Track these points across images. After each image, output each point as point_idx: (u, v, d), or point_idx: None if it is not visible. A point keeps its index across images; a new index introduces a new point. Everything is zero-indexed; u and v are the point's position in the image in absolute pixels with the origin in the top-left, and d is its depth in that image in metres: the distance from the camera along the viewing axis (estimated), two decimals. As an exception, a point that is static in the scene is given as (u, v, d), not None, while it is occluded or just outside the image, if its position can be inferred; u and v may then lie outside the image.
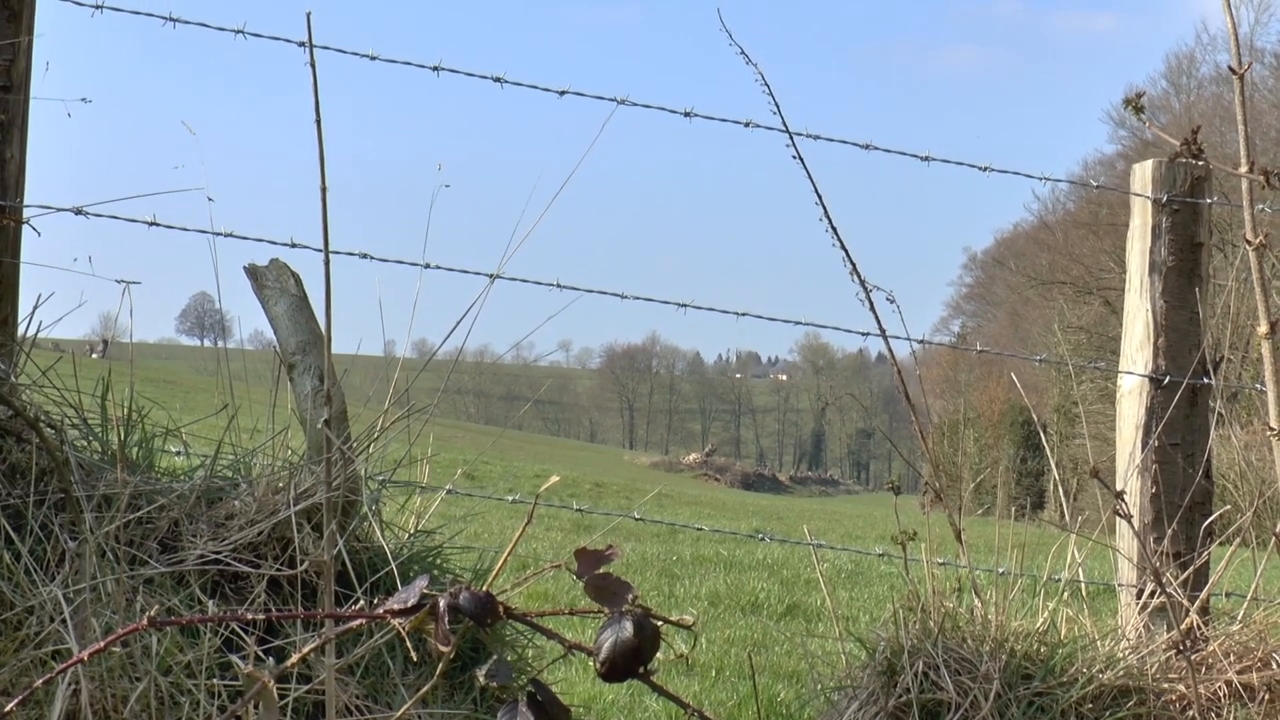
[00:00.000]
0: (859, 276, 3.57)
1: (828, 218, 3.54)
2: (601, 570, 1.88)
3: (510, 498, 4.11)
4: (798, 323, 4.05)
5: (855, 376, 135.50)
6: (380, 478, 3.42)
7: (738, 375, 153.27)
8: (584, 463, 53.70)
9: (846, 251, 3.59)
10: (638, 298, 3.90)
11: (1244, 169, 2.58)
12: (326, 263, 2.60)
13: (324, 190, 2.58)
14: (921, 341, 3.88)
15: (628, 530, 14.38)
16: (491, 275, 3.46)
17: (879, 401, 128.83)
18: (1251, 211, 2.68)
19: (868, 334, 3.83)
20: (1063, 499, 4.54)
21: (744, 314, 3.95)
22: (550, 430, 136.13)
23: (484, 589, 1.80)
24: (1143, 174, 4.34)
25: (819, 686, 3.77)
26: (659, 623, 1.84)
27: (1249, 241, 2.66)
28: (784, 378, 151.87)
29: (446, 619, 1.73)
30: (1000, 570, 3.82)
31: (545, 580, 8.17)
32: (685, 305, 3.86)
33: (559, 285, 3.78)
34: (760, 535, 4.53)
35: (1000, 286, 60.54)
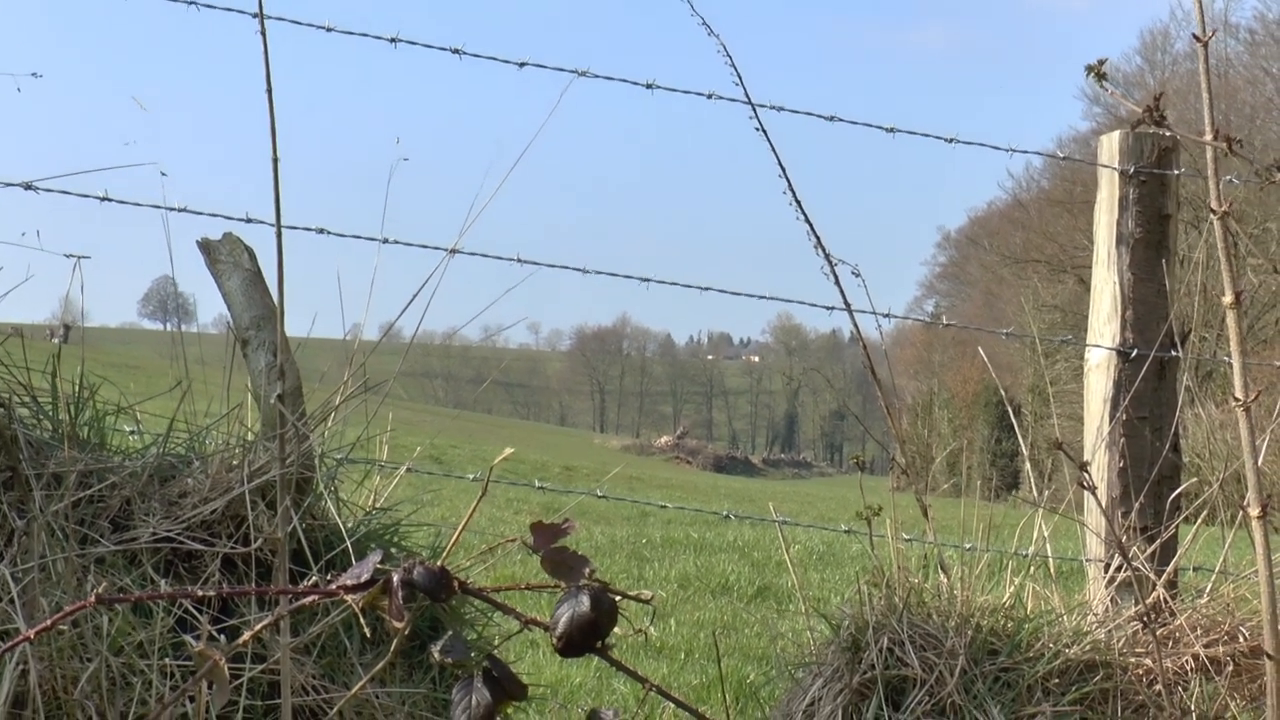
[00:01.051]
0: (823, 250, 3.58)
1: (791, 190, 3.54)
2: (558, 545, 1.88)
3: (471, 476, 4.11)
4: (762, 297, 4.05)
5: (829, 357, 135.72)
6: (337, 455, 3.41)
7: (709, 357, 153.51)
8: (554, 446, 53.69)
9: (810, 224, 3.60)
10: (599, 272, 3.91)
11: (1208, 137, 2.59)
12: (279, 234, 2.60)
13: (275, 161, 2.58)
14: (887, 315, 3.89)
15: (597, 513, 14.39)
16: (449, 249, 3.46)
17: (852, 383, 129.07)
18: (1216, 180, 2.69)
19: (832, 308, 3.84)
20: (1031, 476, 4.57)
21: (708, 289, 3.96)
22: (520, 414, 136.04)
23: (439, 564, 1.80)
24: (1110, 145, 4.36)
25: (784, 665, 3.79)
26: (617, 597, 1.84)
27: (1213, 210, 2.67)
28: (756, 359, 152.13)
29: (400, 594, 1.73)
30: (967, 546, 3.84)
31: (512, 564, 8.18)
32: (648, 280, 3.87)
33: (519, 260, 3.78)
34: (727, 514, 4.54)
35: (974, 265, 60.74)
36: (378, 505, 3.49)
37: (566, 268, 3.86)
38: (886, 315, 4.00)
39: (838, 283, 3.67)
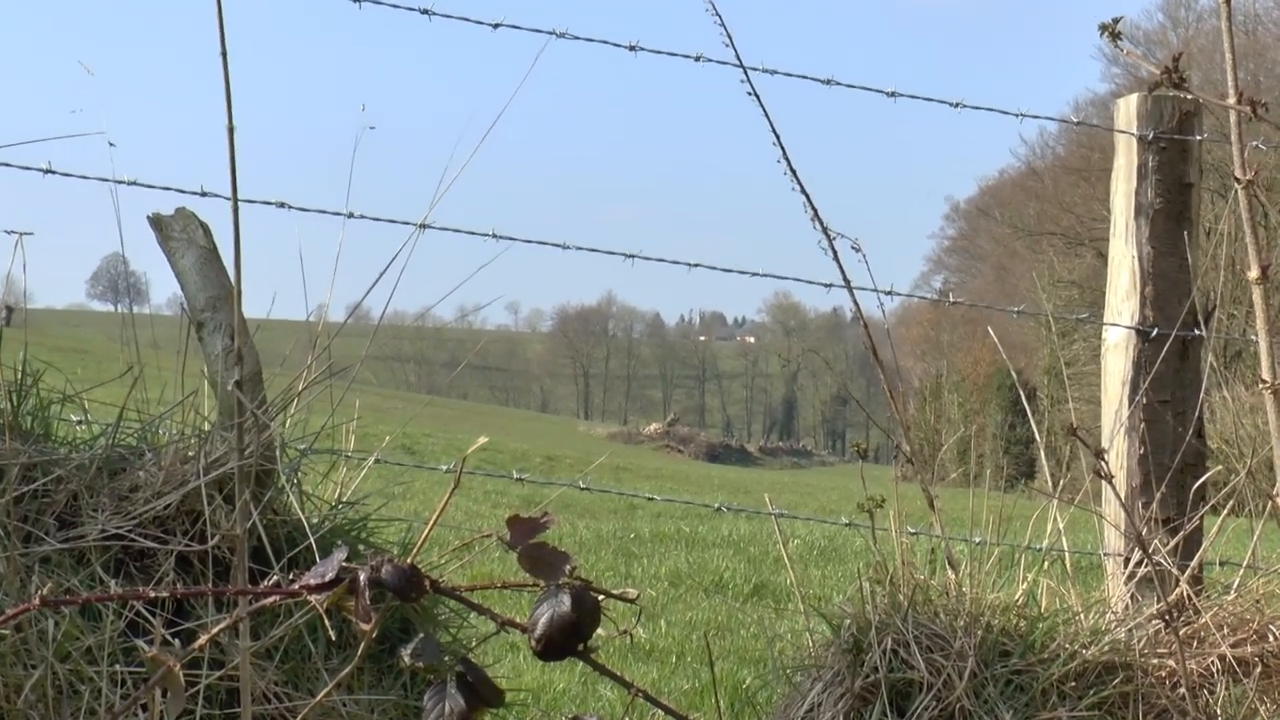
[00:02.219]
0: (821, 223, 3.58)
1: (785, 159, 3.54)
2: (537, 540, 1.89)
3: (445, 468, 4.11)
4: (755, 274, 4.05)
5: (829, 338, 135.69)
6: (300, 445, 3.41)
7: (701, 338, 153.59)
8: (535, 434, 53.70)
9: (807, 196, 3.60)
10: (581, 248, 3.91)
11: (1231, 100, 2.59)
12: (235, 208, 2.60)
13: (231, 130, 2.57)
14: (890, 292, 3.90)
15: (581, 507, 14.41)
16: (419, 224, 3.46)
17: (855, 365, 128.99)
18: (1240, 147, 2.70)
19: (831, 285, 3.85)
20: (1044, 465, 4.58)
21: (696, 265, 3.96)
22: (498, 400, 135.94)
23: (409, 562, 1.81)
24: (1127, 109, 4.37)
25: (781, 668, 3.80)
26: (600, 596, 1.85)
27: (1238, 179, 2.68)
28: (752, 340, 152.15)
29: (368, 594, 1.74)
30: (977, 540, 3.85)
31: (490, 561, 8.19)
32: (632, 256, 3.87)
33: (495, 235, 3.78)
34: (720, 506, 4.55)
35: (985, 239, 60.79)
36: (344, 499, 3.49)
37: (546, 243, 3.87)
38: (889, 293, 4.01)
39: (836, 258, 3.68)
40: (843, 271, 3.70)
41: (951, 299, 4.91)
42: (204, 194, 3.55)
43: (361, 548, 3.30)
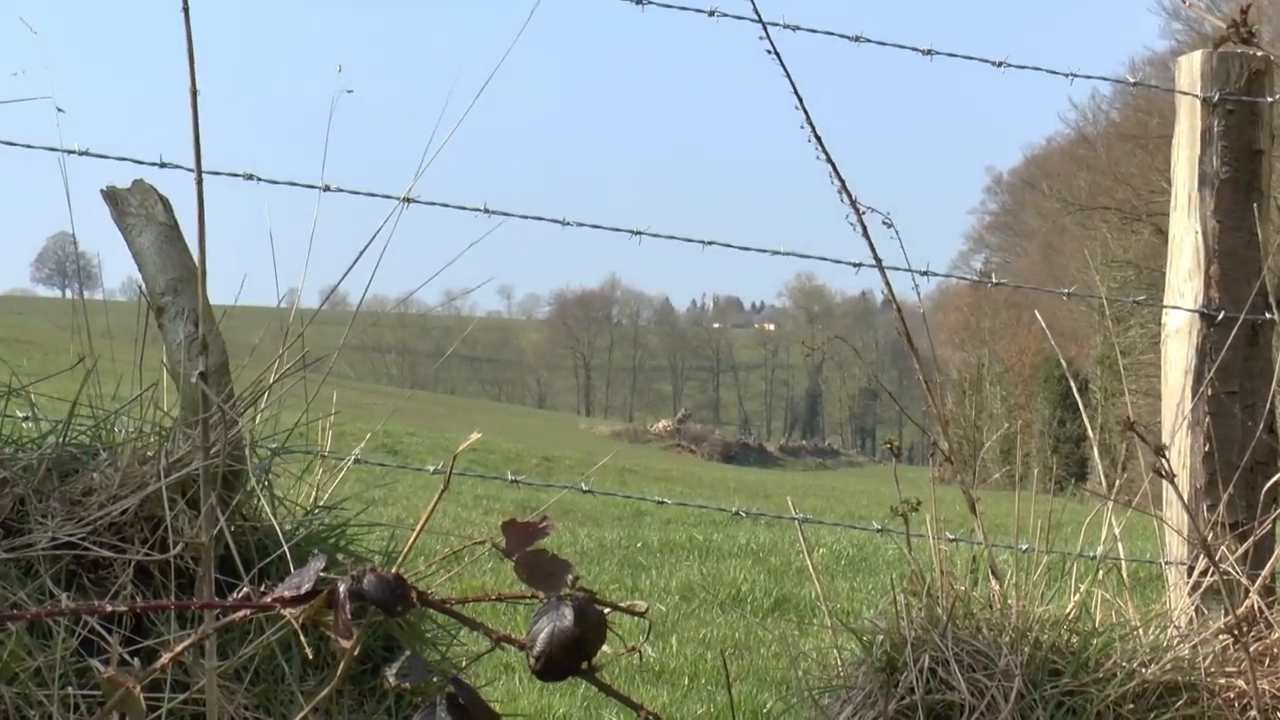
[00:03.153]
0: (848, 195, 3.58)
1: (809, 124, 3.54)
2: (535, 547, 1.89)
3: (432, 469, 4.11)
4: (775, 252, 4.05)
5: (858, 325, 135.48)
6: (272, 444, 3.42)
7: (716, 325, 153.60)
8: (531, 433, 53.72)
9: (833, 165, 3.60)
10: (582, 225, 3.91)
11: (1306, 56, 2.59)
12: (199, 181, 2.60)
13: (194, 94, 2.57)
14: (925, 273, 3.89)
15: (583, 512, 14.43)
16: (402, 198, 3.46)
17: (886, 354, 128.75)
18: (1316, 108, 2.70)
19: (860, 265, 3.85)
20: (1098, 464, 4.58)
21: (710, 243, 3.96)
22: (490, 394, 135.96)
23: (394, 571, 1.81)
24: (1190, 68, 4.35)
25: (807, 690, 3.80)
26: (606, 609, 1.85)
27: (1313, 145, 2.68)
28: (771, 327, 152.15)
29: (348, 608, 1.74)
30: (1023, 548, 3.85)
31: (482, 573, 8.21)
32: (638, 233, 3.86)
33: (486, 210, 3.78)
34: (737, 511, 4.55)
35: (1031, 214, 60.76)
36: (320, 504, 3.50)
37: (542, 219, 3.86)
38: (925, 273, 4.01)
39: (866, 234, 3.67)
40: (873, 249, 3.70)
41: (994, 280, 4.90)
42: (164, 165, 3.56)
43: (340, 557, 3.30)
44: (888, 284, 3.83)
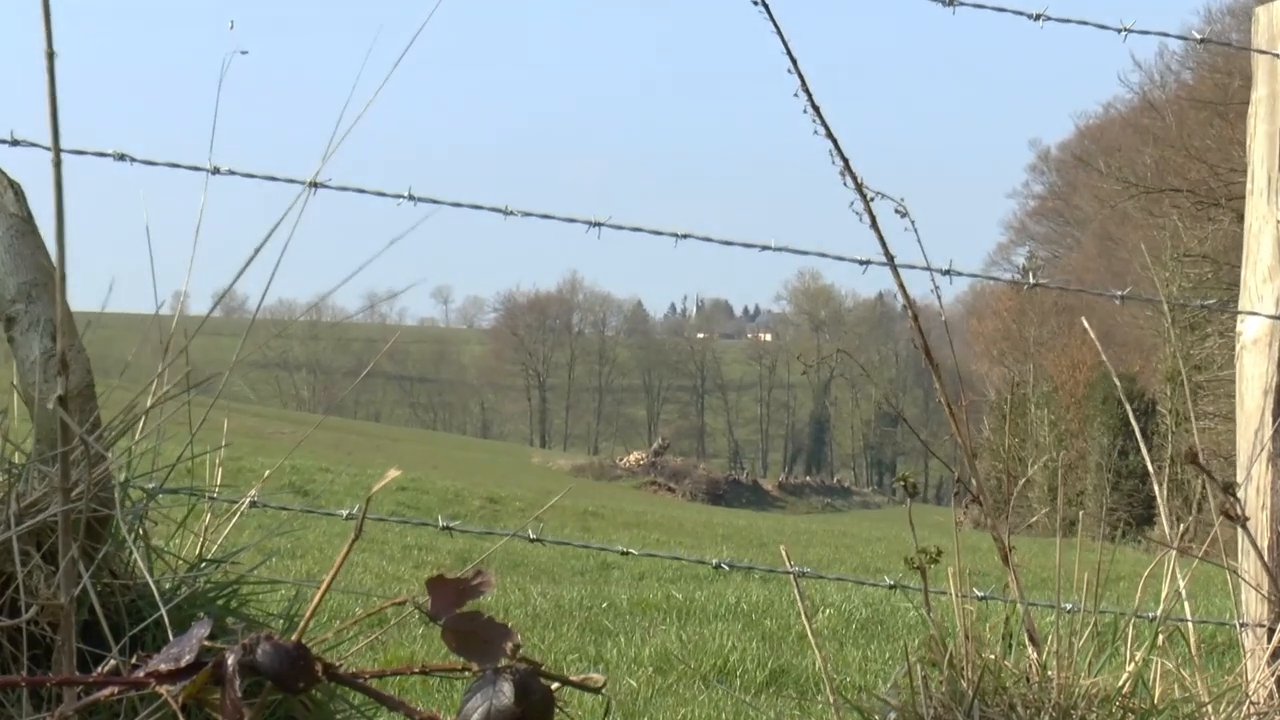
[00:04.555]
0: (852, 176, 3.60)
1: (804, 89, 3.56)
2: (467, 609, 1.90)
3: (345, 512, 4.12)
4: (765, 247, 4.06)
5: (874, 334, 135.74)
6: (149, 484, 3.42)
7: (700, 335, 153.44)
8: (474, 468, 53.68)
9: (834, 140, 3.62)
10: (530, 214, 3.92)
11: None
12: (57, 163, 2.61)
13: (50, 57, 2.58)
14: (948, 273, 3.91)
15: (537, 565, 14.43)
16: (309, 182, 3.47)
17: (909, 370, 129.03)
18: None
19: (867, 262, 3.87)
20: (1164, 505, 4.59)
21: (685, 235, 3.97)
22: (422, 421, 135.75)
23: (296, 639, 1.82)
24: (1269, 21, 4.38)
25: (804, 781, 3.83)
26: (554, 684, 1.86)
27: None
28: (768, 337, 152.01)
29: (238, 683, 1.75)
30: (1068, 607, 3.87)
31: (412, 640, 8.21)
32: (598, 224, 3.88)
33: (411, 198, 3.79)
34: (719, 563, 4.56)
35: (1085, 197, 60.93)
36: (208, 556, 3.51)
37: (480, 207, 3.87)
38: (947, 273, 4.03)
39: (874, 225, 3.69)
40: (883, 243, 3.72)
41: (1031, 280, 4.92)
42: (14, 142, 3.57)
43: (231, 621, 3.31)
44: (901, 285, 3.85)
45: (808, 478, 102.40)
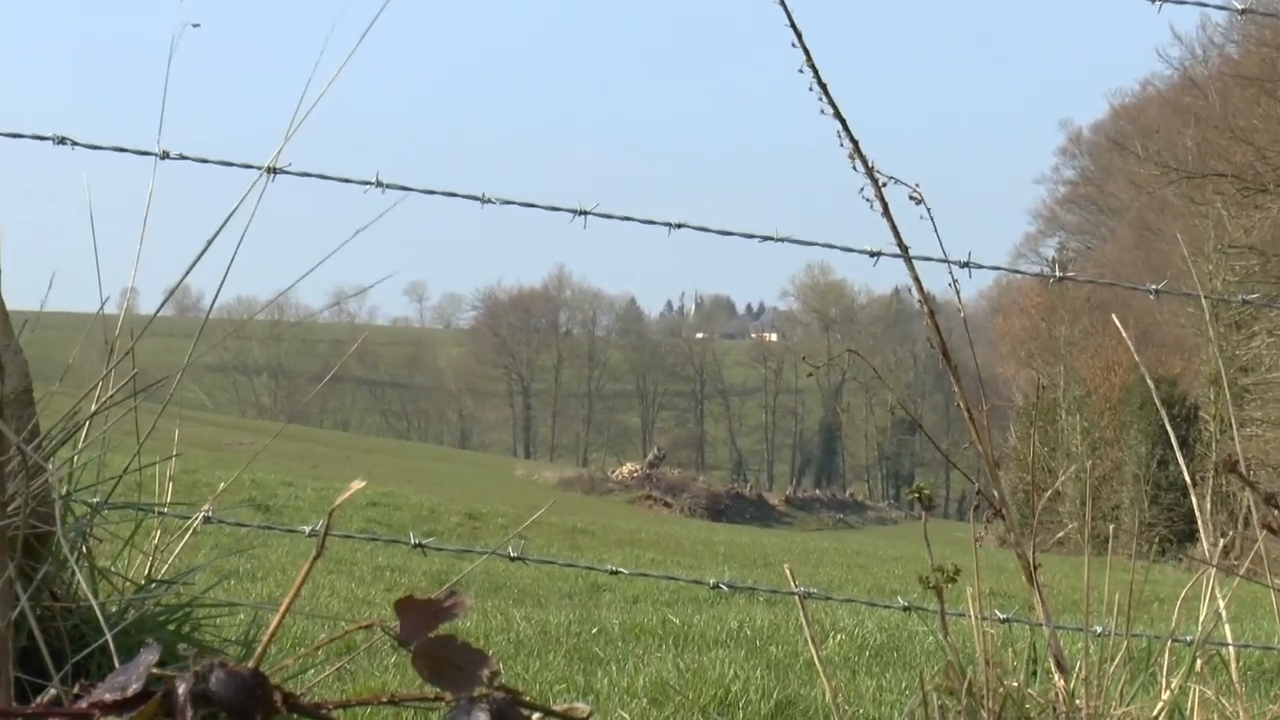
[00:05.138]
0: (861, 158, 3.60)
1: (810, 65, 3.57)
2: (440, 633, 1.91)
3: (308, 529, 4.13)
4: (765, 238, 4.06)
5: (890, 333, 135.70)
6: (93, 498, 3.43)
7: (699, 335, 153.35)
8: (452, 482, 53.66)
9: (842, 121, 3.63)
10: (510, 202, 3.93)
11: None
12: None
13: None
14: (966, 265, 3.92)
15: (520, 587, 14.43)
16: (265, 167, 3.48)
17: (929, 373, 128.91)
18: None
19: (878, 254, 3.87)
20: (1206, 520, 4.60)
21: (679, 225, 3.97)
22: (396, 430, 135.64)
23: (252, 666, 1.82)
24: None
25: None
26: (533, 714, 1.87)
27: None
28: (774, 337, 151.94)
29: (190, 714, 1.76)
30: (1097, 629, 3.88)
31: (383, 669, 8.22)
32: (584, 213, 3.88)
33: (378, 184, 3.80)
34: (716, 583, 4.58)
35: (1121, 183, 60.98)
36: (158, 577, 3.51)
37: (455, 195, 3.87)
38: (966, 265, 4.03)
39: (887, 212, 3.69)
40: (896, 232, 3.73)
41: (1061, 273, 4.93)
42: (-54, 126, 3.57)
43: (183, 647, 3.32)
44: (915, 278, 3.86)
45: (817, 491, 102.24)
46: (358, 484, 2.16)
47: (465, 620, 10.37)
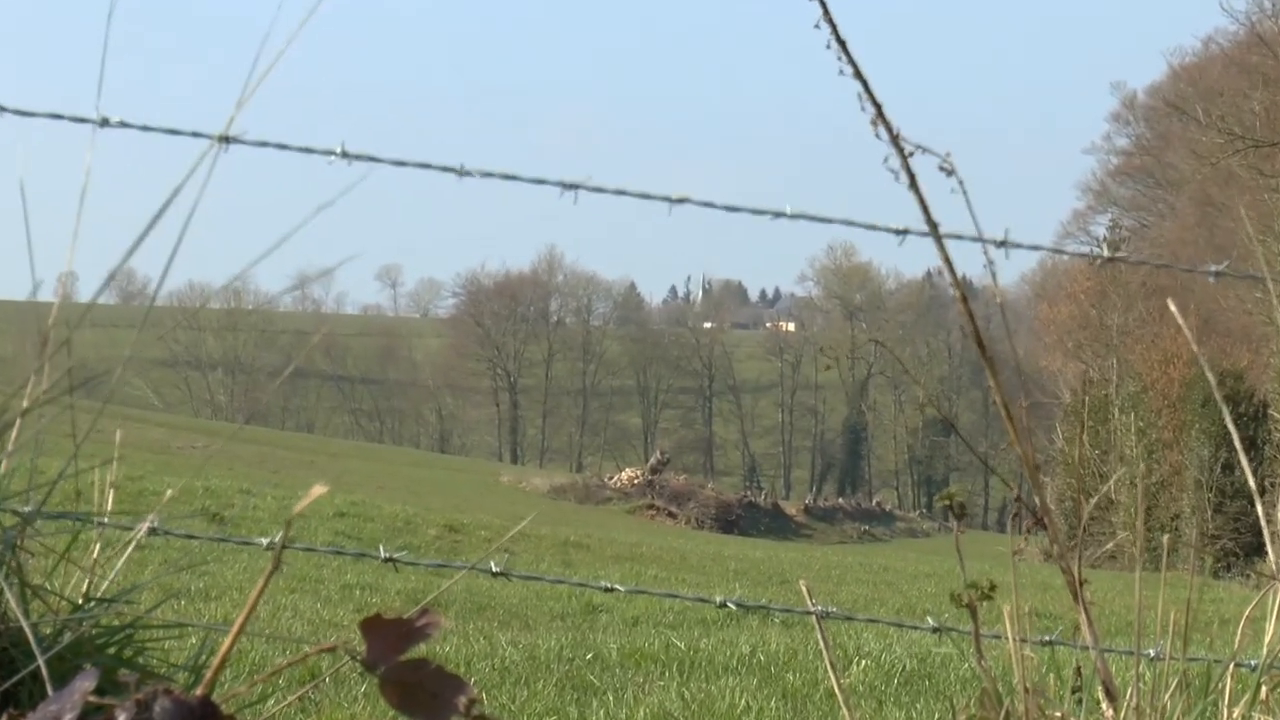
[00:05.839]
0: (885, 124, 3.61)
1: (826, 17, 3.58)
2: (411, 657, 1.91)
3: (266, 541, 4.14)
4: (777, 214, 4.05)
5: (921, 323, 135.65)
6: (24, 506, 3.44)
7: (707, 324, 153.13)
8: (430, 489, 53.70)
9: (863, 79, 3.63)
10: (488, 174, 3.93)
11: None
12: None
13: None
14: (1003, 244, 3.93)
15: (507, 607, 14.45)
16: (218, 137, 3.48)
17: (965, 366, 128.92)
18: None
19: (905, 232, 3.87)
20: (1271, 528, 4.61)
21: (682, 200, 3.97)
22: (367, 432, 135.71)
23: (201, 693, 1.83)
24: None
25: None
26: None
27: None
28: (791, 327, 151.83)
29: (131, 745, 1.76)
30: (1150, 653, 3.89)
31: (352, 701, 8.22)
32: (574, 187, 3.88)
33: (344, 154, 3.80)
34: (723, 602, 4.58)
35: (1180, 153, 60.94)
36: (98, 594, 3.52)
37: (430, 166, 3.87)
38: (1003, 244, 4.03)
39: (913, 184, 3.69)
40: (924, 206, 3.72)
41: (1110, 254, 4.92)
42: None
43: (124, 673, 3.32)
44: (947, 259, 3.86)
45: (840, 500, 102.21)
46: (319, 489, 2.16)
47: (444, 644, 10.38)
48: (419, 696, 1.88)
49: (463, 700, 1.88)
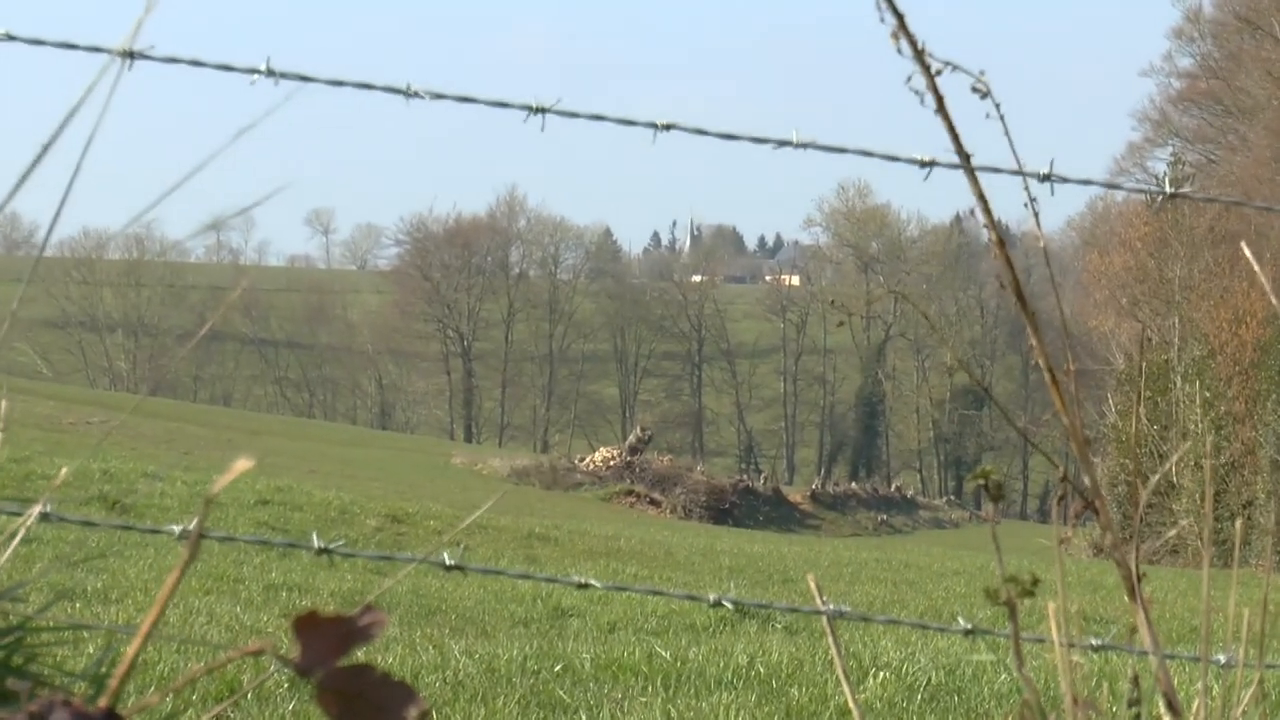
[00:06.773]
0: (908, 37, 3.61)
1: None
2: (349, 663, 1.92)
3: (178, 529, 4.15)
4: (783, 143, 4.06)
5: (949, 276, 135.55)
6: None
7: (697, 277, 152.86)
8: (370, 472, 53.72)
9: (882, -13, 3.63)
10: (441, 96, 3.93)
11: None
12: None
13: None
14: (1046, 178, 3.93)
15: (461, 612, 14.46)
16: (121, 51, 3.48)
17: (1000, 326, 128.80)
18: None
19: (931, 164, 3.88)
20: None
21: (669, 126, 3.97)
22: (295, 405, 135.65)
23: (104, 705, 1.84)
24: None
25: None
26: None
27: None
28: (795, 280, 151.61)
29: (20, 769, 1.77)
30: (1220, 660, 3.91)
31: (278, 719, 8.24)
32: (541, 110, 3.88)
33: (270, 72, 3.80)
34: (718, 600, 4.60)
35: (1253, 75, 61.01)
36: (-19, 594, 3.53)
37: (371, 87, 3.88)
38: (1047, 178, 4.03)
39: (941, 107, 3.68)
40: (953, 133, 3.72)
41: (1173, 190, 4.93)
42: None
43: (13, 682, 3.34)
44: (981, 196, 3.85)
45: (853, 485, 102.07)
46: (244, 463, 2.16)
47: (386, 654, 10.41)
48: (361, 708, 1.89)
49: (412, 712, 1.89)
